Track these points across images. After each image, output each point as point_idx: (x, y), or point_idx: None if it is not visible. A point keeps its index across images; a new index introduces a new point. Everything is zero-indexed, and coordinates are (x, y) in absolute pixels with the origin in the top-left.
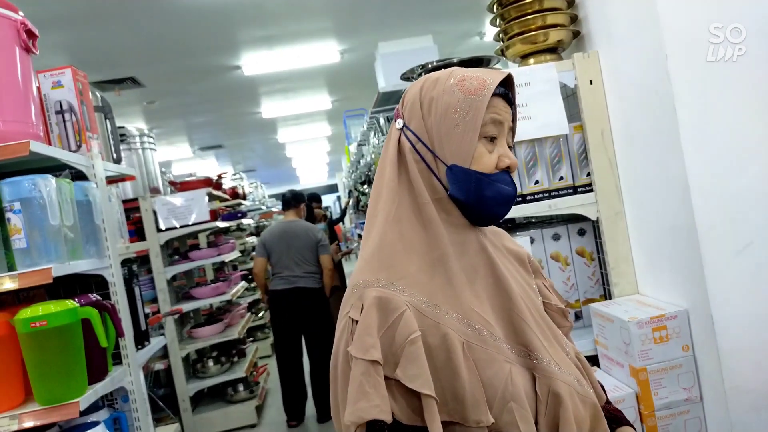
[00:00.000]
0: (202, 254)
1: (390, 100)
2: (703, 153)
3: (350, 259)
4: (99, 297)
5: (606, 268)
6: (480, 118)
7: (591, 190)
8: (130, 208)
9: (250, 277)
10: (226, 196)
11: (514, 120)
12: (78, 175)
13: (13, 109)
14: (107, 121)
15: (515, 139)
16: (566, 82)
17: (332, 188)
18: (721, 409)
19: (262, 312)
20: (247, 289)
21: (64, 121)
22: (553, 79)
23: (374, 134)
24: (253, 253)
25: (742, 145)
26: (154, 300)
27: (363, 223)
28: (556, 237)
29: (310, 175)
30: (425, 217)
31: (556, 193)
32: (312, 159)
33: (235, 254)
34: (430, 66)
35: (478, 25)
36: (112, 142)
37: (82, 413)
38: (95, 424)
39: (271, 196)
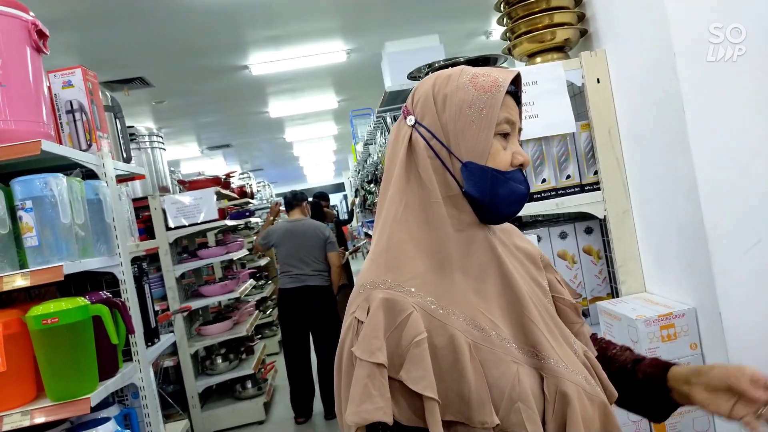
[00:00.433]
0: (210, 252)
1: (396, 99)
2: (711, 151)
3: (357, 258)
4: (109, 294)
5: (613, 266)
6: (495, 115)
7: (598, 189)
8: (140, 206)
9: (258, 275)
10: (234, 195)
11: (520, 119)
12: (88, 174)
13: (25, 109)
14: (117, 120)
15: (522, 138)
16: (573, 80)
17: (339, 187)
18: None
19: (270, 309)
20: (254, 287)
21: (75, 121)
22: (560, 78)
23: (381, 133)
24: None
25: (750, 144)
26: (164, 298)
27: (369, 222)
28: (563, 235)
29: (317, 174)
30: (433, 217)
31: (563, 192)
32: (319, 158)
33: (243, 252)
34: (436, 65)
35: (485, 24)
36: (121, 142)
37: (93, 409)
38: (106, 420)
39: (278, 195)
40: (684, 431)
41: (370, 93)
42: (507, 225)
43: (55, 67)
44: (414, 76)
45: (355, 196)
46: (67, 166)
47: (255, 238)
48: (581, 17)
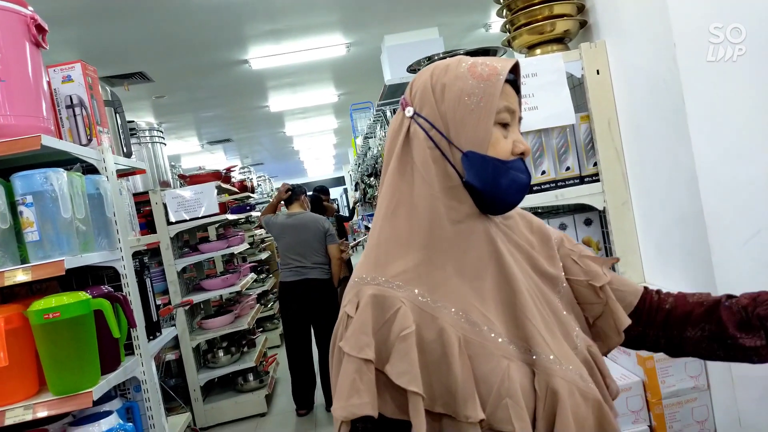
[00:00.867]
0: (211, 246)
1: (396, 92)
2: (711, 142)
3: (357, 252)
4: (111, 289)
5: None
6: (495, 103)
7: (598, 180)
8: (141, 201)
9: (259, 268)
10: (235, 189)
11: (520, 108)
12: (89, 169)
13: (24, 104)
14: (117, 115)
15: (521, 129)
16: (573, 72)
17: (339, 181)
18: (729, 398)
19: (271, 303)
20: (256, 280)
21: (75, 116)
22: (559, 70)
23: (380, 127)
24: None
25: (750, 135)
26: (165, 292)
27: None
28: (563, 227)
29: (317, 167)
30: (427, 210)
31: (563, 183)
32: (319, 152)
33: (244, 246)
34: (436, 58)
35: (484, 16)
36: (122, 136)
37: (95, 403)
38: (108, 413)
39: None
40: (683, 420)
41: (369, 87)
42: (513, 213)
43: (54, 62)
44: (413, 69)
45: (356, 190)
46: (67, 161)
47: (259, 215)
48: (581, 8)
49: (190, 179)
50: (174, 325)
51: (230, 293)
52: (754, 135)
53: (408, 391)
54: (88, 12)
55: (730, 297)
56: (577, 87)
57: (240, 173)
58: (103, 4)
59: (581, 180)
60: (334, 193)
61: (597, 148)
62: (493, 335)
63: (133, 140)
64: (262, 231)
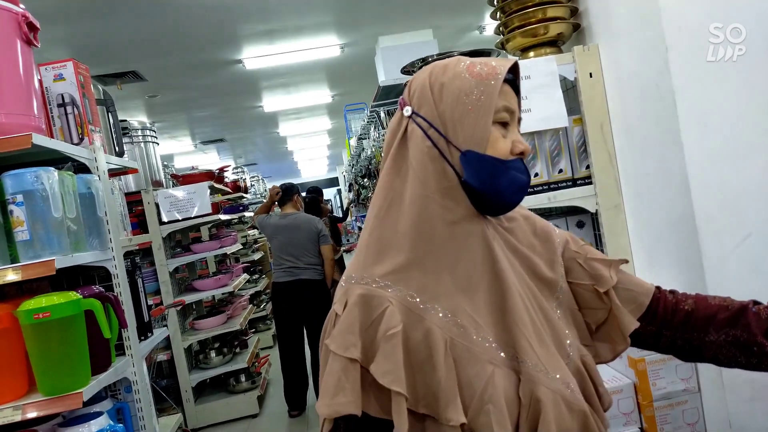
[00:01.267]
0: (204, 247)
1: (390, 93)
2: (703, 146)
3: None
4: (102, 289)
5: None
6: (493, 102)
7: (590, 183)
8: (133, 200)
9: (252, 269)
10: (228, 190)
11: (519, 108)
12: (80, 168)
13: (15, 102)
14: (109, 114)
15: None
16: (566, 75)
17: (333, 182)
18: (719, 400)
19: (264, 303)
20: (248, 281)
21: (66, 114)
22: (552, 72)
23: (374, 128)
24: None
25: (741, 138)
26: (157, 292)
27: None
28: None
29: (310, 168)
30: (420, 211)
31: (556, 186)
32: (313, 153)
33: (236, 247)
34: (430, 60)
35: (478, 19)
36: (114, 136)
37: (86, 404)
38: (98, 414)
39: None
40: (674, 423)
41: (364, 88)
42: (517, 215)
43: (46, 61)
44: (408, 70)
45: (349, 191)
46: (58, 160)
47: (252, 215)
48: (574, 11)
49: (182, 179)
50: (166, 325)
51: (223, 294)
52: (745, 138)
53: (392, 391)
54: (80, 10)
55: (756, 303)
56: (570, 90)
57: (233, 173)
58: (97, 3)
59: (574, 182)
60: (328, 193)
61: (589, 150)
62: (480, 340)
63: (125, 139)
64: (255, 231)
